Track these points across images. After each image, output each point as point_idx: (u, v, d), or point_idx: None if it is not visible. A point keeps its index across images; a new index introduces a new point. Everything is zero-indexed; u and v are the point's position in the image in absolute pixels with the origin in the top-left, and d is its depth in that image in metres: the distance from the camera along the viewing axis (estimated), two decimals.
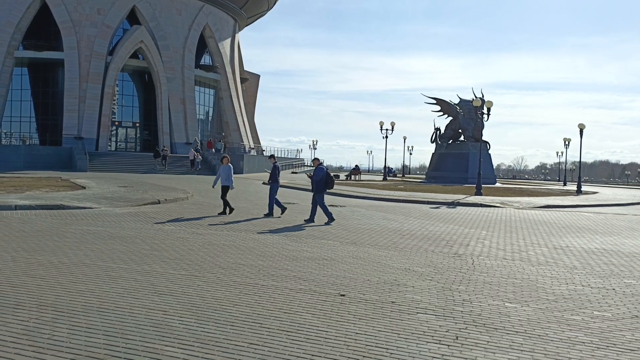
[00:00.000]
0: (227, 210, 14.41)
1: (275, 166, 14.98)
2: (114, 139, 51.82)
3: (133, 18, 50.13)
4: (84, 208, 14.42)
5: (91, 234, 10.18)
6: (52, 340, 4.38)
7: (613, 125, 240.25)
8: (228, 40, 59.30)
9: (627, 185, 70.95)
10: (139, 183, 25.30)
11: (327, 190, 14.02)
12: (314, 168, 14.11)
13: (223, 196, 14.55)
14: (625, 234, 12.94)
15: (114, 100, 50.41)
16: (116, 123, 51.80)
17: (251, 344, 4.47)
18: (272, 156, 15.95)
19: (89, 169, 37.66)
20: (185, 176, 35.88)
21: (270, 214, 14.36)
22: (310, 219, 13.43)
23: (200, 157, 42.59)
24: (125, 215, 13.51)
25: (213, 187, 15.00)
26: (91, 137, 46.70)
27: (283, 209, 14.59)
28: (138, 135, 53.47)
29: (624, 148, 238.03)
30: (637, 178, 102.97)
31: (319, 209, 13.66)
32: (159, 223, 12.18)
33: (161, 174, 37.16)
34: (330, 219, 13.28)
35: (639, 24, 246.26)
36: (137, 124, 53.24)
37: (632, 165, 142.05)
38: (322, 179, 13.68)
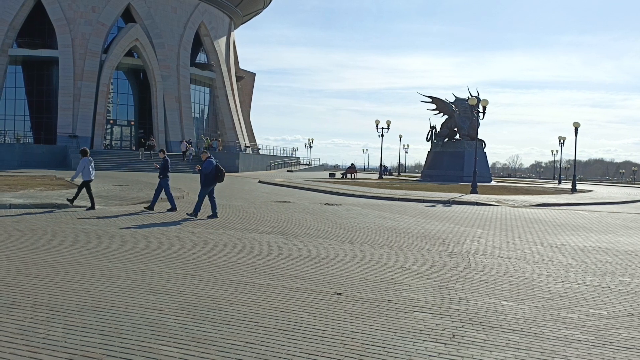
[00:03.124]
0: (91, 204, 14.15)
1: (165, 160, 14.77)
2: (108, 137, 51.65)
3: (128, 16, 49.92)
4: (79, 207, 14.35)
5: (86, 233, 10.14)
6: (47, 340, 4.35)
7: (607, 123, 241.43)
8: (223, 39, 59.15)
9: (622, 183, 71.34)
10: (134, 182, 25.22)
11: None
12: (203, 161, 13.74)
13: (88, 190, 14.28)
14: (620, 232, 13.00)
15: (109, 98, 50.21)
16: (111, 121, 51.60)
17: (248, 343, 4.46)
18: (162, 151, 15.72)
19: None
20: (181, 174, 35.79)
21: (173, 208, 14.31)
22: (213, 215, 13.31)
23: (192, 148, 44.02)
24: (120, 213, 13.46)
25: (72, 181, 14.65)
26: (86, 136, 46.50)
27: (151, 207, 14.40)
28: (133, 133, 53.30)
29: (618, 146, 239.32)
30: (631, 176, 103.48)
31: (215, 200, 13.52)
32: (154, 222, 12.13)
33: (154, 171, 36.98)
34: (195, 213, 13.15)
35: (633, 23, 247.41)
36: (132, 122, 53.07)
37: (627, 163, 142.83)
38: (212, 172, 13.40)
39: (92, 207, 14.07)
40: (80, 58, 47.35)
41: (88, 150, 15.05)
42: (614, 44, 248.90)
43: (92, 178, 14.47)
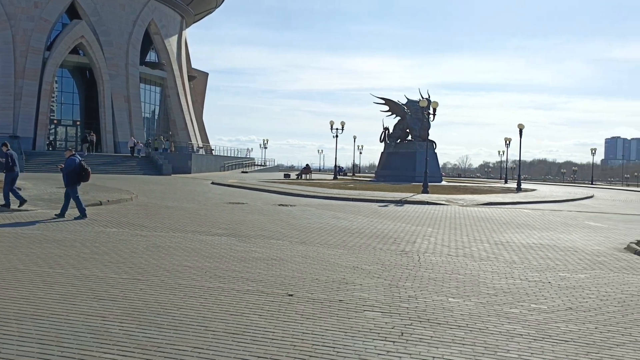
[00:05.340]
0: None
1: (7, 154, 14.18)
2: (52, 137, 49.54)
3: (73, 12, 48.08)
4: (19, 210, 13.68)
5: (26, 238, 9.67)
6: None
7: (550, 125, 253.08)
8: (175, 37, 57.93)
9: (563, 182, 74.80)
10: None
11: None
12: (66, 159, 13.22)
13: None
14: (561, 230, 13.60)
15: (53, 97, 48.19)
16: (55, 121, 49.55)
17: (195, 347, 4.37)
18: (4, 144, 14.99)
19: (25, 170, 35.71)
20: (131, 176, 34.80)
21: (6, 205, 13.85)
22: (61, 214, 12.85)
23: (141, 144, 43.86)
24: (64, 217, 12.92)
25: None
26: (28, 136, 44.44)
27: (22, 201, 14.10)
28: (79, 134, 51.33)
29: (560, 147, 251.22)
30: (571, 176, 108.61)
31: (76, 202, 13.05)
32: (100, 225, 11.73)
33: (100, 172, 35.80)
34: (83, 214, 12.82)
35: (576, 28, 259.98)
36: (78, 122, 51.12)
37: (568, 163, 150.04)
38: (74, 170, 12.95)
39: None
40: (21, 55, 45.24)
41: None
42: (558, 48, 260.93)
43: None
